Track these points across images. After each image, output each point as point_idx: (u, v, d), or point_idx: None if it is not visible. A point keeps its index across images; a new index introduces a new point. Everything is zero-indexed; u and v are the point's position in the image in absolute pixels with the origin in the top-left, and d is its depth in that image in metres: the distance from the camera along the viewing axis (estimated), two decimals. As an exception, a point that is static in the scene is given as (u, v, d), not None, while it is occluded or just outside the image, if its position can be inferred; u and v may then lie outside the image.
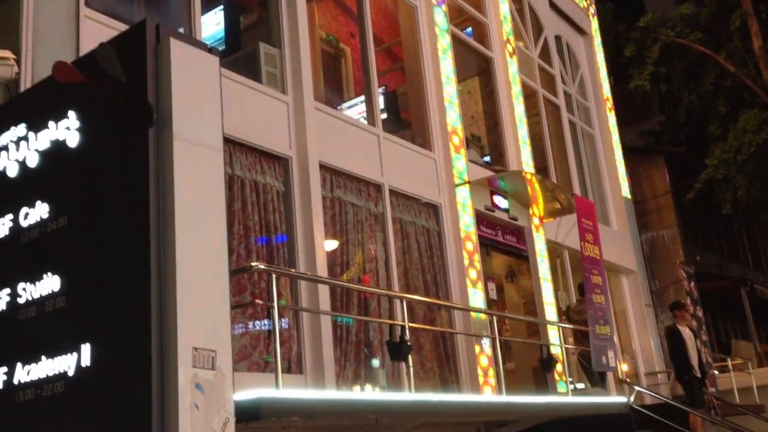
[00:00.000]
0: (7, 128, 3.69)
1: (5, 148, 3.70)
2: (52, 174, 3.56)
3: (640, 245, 14.57)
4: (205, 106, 3.43)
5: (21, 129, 3.65)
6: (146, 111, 3.20)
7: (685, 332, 9.91)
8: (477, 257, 9.37)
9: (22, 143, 3.64)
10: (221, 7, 9.16)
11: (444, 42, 10.13)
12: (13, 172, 3.68)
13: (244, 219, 7.04)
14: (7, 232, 3.64)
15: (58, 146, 3.50)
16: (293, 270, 7.13)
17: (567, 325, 10.25)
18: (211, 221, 3.46)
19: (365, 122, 9.15)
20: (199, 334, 3.20)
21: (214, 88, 3.47)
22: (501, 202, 10.54)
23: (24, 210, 3.58)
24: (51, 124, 3.52)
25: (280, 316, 6.52)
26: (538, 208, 10.90)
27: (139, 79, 3.26)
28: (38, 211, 3.53)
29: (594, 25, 15.33)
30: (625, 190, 14.31)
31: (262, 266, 5.80)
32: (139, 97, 3.21)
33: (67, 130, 3.47)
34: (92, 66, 3.36)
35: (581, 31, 14.97)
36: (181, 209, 3.27)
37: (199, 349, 3.17)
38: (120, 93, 3.27)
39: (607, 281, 9.29)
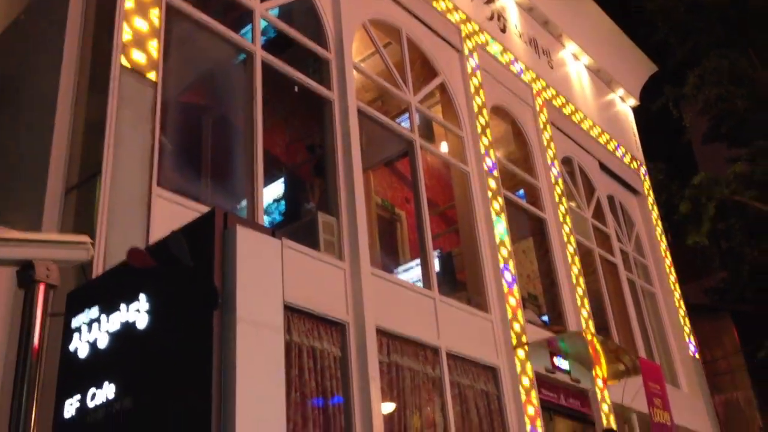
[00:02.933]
0: (82, 311, 3.89)
1: (78, 329, 3.89)
2: (120, 355, 3.69)
3: (713, 408, 13.81)
4: (267, 288, 3.57)
5: (94, 311, 3.85)
6: (212, 295, 3.35)
7: None
8: (539, 422, 9.03)
9: (94, 325, 3.82)
10: (282, 179, 9.68)
11: (497, 205, 10.38)
12: (83, 353, 3.83)
13: (300, 386, 7.02)
14: (74, 413, 3.74)
15: (128, 328, 3.66)
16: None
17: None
18: (271, 399, 3.49)
19: (421, 286, 9.25)
20: None
21: (276, 270, 3.63)
22: (562, 363, 10.27)
23: (92, 390, 3.69)
24: (122, 306, 3.71)
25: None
26: (601, 370, 10.56)
27: (207, 264, 3.44)
28: (105, 392, 3.63)
29: (646, 185, 15.53)
30: (692, 350, 13.81)
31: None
32: (205, 282, 3.38)
33: (137, 312, 3.64)
34: (163, 251, 3.58)
35: (633, 190, 15.18)
36: (242, 389, 3.32)
37: None
38: (188, 278, 3.45)
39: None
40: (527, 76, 12.82)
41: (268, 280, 3.57)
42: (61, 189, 6.13)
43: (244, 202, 7.89)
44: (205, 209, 6.13)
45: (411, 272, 10.73)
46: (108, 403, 3.61)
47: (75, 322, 3.92)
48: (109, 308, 3.77)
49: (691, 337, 13.97)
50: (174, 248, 3.49)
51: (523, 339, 9.49)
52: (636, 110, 16.75)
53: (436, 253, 10.16)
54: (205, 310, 3.36)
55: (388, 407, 7.75)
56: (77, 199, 6.02)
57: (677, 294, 14.31)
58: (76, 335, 3.89)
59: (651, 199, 15.43)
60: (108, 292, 3.88)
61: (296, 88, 8.87)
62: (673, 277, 14.49)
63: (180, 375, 3.47)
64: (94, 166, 5.95)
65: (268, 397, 3.42)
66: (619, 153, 15.10)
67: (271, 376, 3.46)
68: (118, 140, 6.05)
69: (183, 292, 3.54)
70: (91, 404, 3.68)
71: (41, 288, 3.54)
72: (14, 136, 7.11)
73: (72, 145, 6.37)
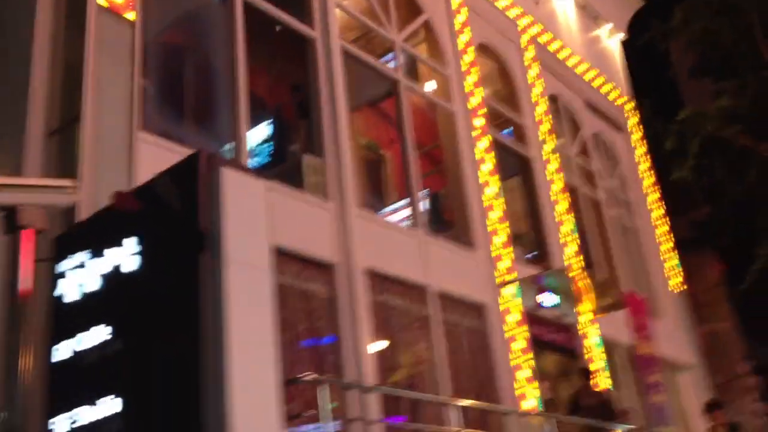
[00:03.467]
0: (70, 254, 3.88)
1: (63, 275, 3.88)
2: (110, 297, 3.70)
3: (696, 339, 14.12)
4: (253, 228, 3.57)
5: (82, 255, 3.84)
6: (198, 236, 3.35)
7: None
8: (528, 357, 9.20)
9: (83, 268, 3.81)
10: (270, 120, 9.56)
11: (482, 145, 10.34)
12: (73, 296, 3.84)
13: (291, 327, 7.09)
14: (65, 356, 3.76)
15: (116, 270, 3.66)
16: (345, 379, 7.09)
17: (629, 425, 9.81)
18: (261, 336, 3.53)
19: (409, 225, 9.27)
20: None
21: (261, 210, 3.63)
22: (549, 299, 10.39)
23: (82, 333, 3.71)
24: (110, 249, 3.70)
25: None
26: (587, 304, 10.72)
27: (193, 206, 3.43)
28: (96, 335, 3.65)
29: (633, 121, 15.48)
30: (676, 283, 14.03)
31: (311, 377, 5.79)
32: (191, 224, 3.37)
33: (125, 255, 3.63)
34: (149, 194, 3.56)
35: (619, 127, 15.12)
36: (232, 327, 3.36)
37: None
38: (175, 219, 3.44)
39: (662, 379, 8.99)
40: (513, 12, 12.60)
41: (254, 219, 3.58)
42: (42, 133, 6.01)
43: (231, 144, 7.80)
44: (190, 152, 6.08)
45: (398, 212, 10.72)
46: (100, 346, 3.64)
47: (63, 266, 3.91)
48: (97, 252, 3.77)
49: (676, 271, 14.17)
50: (159, 190, 3.47)
51: (511, 276, 9.58)
52: (623, 46, 16.55)
53: (422, 194, 10.15)
54: (192, 252, 3.36)
55: (379, 345, 7.86)
56: (59, 143, 5.91)
57: (662, 228, 14.45)
58: (65, 279, 3.89)
59: (637, 135, 15.41)
60: (95, 236, 3.86)
61: (278, 28, 8.68)
62: (658, 212, 14.60)
63: (170, 316, 3.49)
64: (75, 109, 5.83)
65: (259, 330, 3.46)
66: (606, 89, 14.99)
67: (261, 311, 3.49)
68: (97, 83, 5.92)
69: (170, 234, 3.54)
70: (81, 347, 3.71)
71: (28, 233, 3.53)
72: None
73: (51, 87, 6.22)
